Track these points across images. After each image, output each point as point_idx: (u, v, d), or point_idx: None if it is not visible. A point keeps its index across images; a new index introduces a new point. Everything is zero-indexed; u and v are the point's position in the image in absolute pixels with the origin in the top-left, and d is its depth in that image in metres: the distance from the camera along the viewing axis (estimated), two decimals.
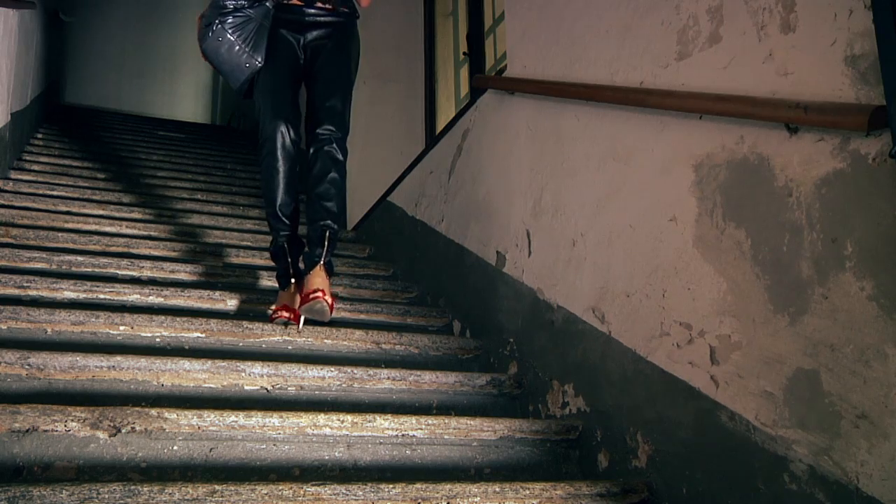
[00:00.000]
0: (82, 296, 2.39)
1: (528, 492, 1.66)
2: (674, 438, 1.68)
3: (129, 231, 3.24)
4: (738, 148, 1.59)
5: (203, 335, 2.27)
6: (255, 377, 2.04)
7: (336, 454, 1.82)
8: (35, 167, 4.00)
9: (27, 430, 1.56)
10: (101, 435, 1.61)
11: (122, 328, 2.18)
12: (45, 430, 1.57)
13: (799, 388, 1.39)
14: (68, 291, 2.38)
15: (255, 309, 2.58)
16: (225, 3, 2.42)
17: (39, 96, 5.06)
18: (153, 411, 1.66)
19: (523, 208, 2.48)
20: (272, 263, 2.63)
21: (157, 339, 2.22)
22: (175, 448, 1.68)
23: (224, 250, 3.18)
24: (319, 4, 2.53)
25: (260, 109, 2.44)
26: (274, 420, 1.75)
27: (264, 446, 1.75)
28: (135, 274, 2.70)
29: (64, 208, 3.33)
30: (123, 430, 1.62)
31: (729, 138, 1.62)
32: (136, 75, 9.44)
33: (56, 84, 6.62)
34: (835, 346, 1.32)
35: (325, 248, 2.35)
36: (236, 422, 1.71)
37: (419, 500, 1.57)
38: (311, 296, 2.24)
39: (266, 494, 1.47)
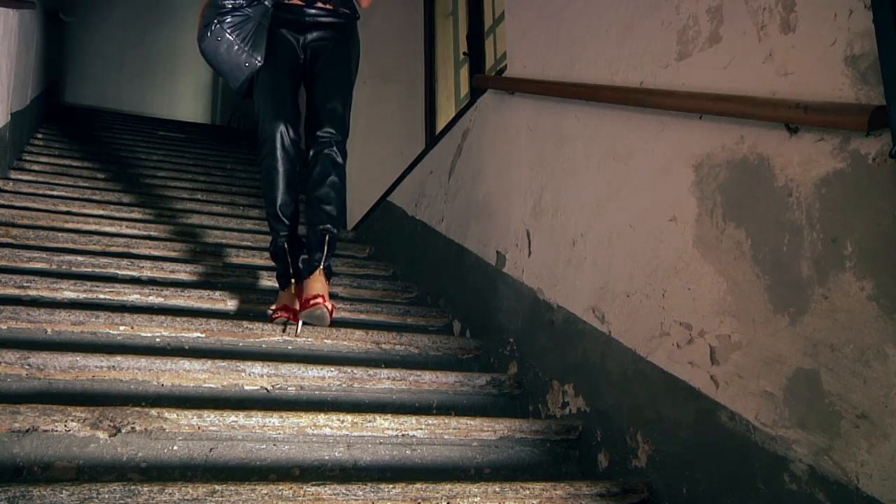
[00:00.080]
0: (82, 296, 2.39)
1: (528, 492, 1.66)
2: (674, 438, 1.68)
3: (129, 231, 3.24)
4: (738, 148, 1.59)
5: (203, 335, 2.27)
6: (255, 377, 2.04)
7: (336, 454, 1.82)
8: (35, 167, 4.00)
9: (27, 430, 1.56)
10: (101, 435, 1.61)
11: (122, 328, 2.18)
12: (45, 430, 1.57)
13: (799, 388, 1.39)
14: (68, 291, 2.38)
15: (255, 309, 2.58)
16: (223, 3, 2.41)
17: (39, 96, 5.06)
18: (153, 411, 1.66)
19: (523, 208, 2.48)
20: (272, 263, 2.62)
21: (157, 339, 2.22)
22: (175, 448, 1.68)
23: (224, 250, 3.18)
24: (320, 4, 2.53)
25: (259, 109, 2.44)
26: (274, 420, 1.75)
27: (264, 446, 1.75)
28: (135, 274, 2.70)
29: (64, 208, 3.33)
30: (123, 430, 1.62)
31: (729, 138, 1.62)
32: (136, 75, 9.44)
33: (56, 84, 6.63)
34: (835, 346, 1.32)
35: (325, 253, 2.34)
36: (236, 422, 1.71)
37: (419, 500, 1.57)
38: (312, 302, 2.24)
39: (266, 494, 1.47)
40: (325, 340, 2.39)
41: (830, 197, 1.36)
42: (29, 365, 1.83)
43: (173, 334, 2.24)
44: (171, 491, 1.41)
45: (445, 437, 1.91)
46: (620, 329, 1.92)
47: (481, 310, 2.68)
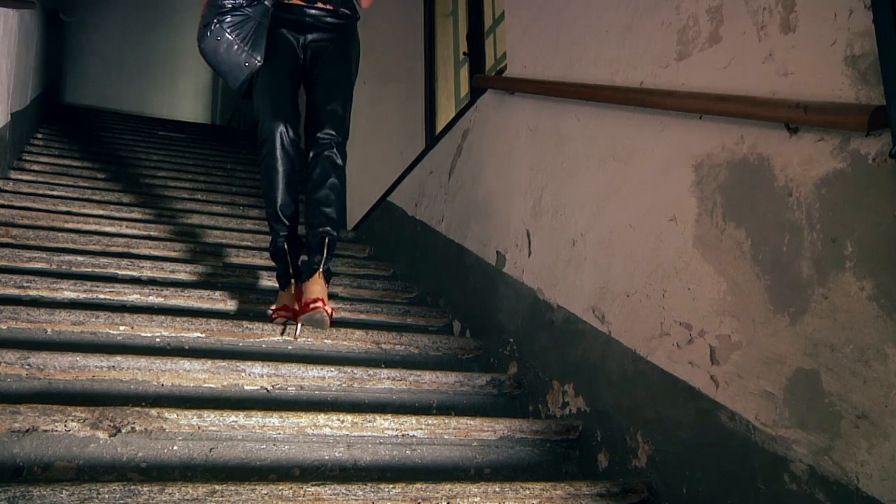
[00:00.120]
0: (82, 296, 2.39)
1: (528, 492, 1.66)
2: (674, 438, 1.68)
3: (129, 231, 3.24)
4: (738, 148, 1.59)
5: (203, 335, 2.27)
6: (255, 377, 2.04)
7: (336, 454, 1.82)
8: (35, 167, 4.00)
9: (27, 430, 1.56)
10: (101, 435, 1.61)
11: (122, 328, 2.18)
12: (45, 430, 1.57)
13: (799, 388, 1.39)
14: (68, 291, 2.38)
15: (255, 309, 2.58)
16: (223, 3, 2.40)
17: (39, 96, 5.06)
18: (153, 411, 1.66)
19: (523, 208, 2.48)
20: (272, 263, 2.62)
21: (157, 339, 2.22)
22: (175, 448, 1.68)
23: (224, 250, 3.18)
24: (320, 5, 2.52)
25: (259, 109, 2.43)
26: (274, 420, 1.75)
27: (264, 446, 1.75)
28: (135, 274, 2.70)
29: (64, 208, 3.33)
30: (123, 430, 1.62)
31: (729, 138, 1.62)
32: (135, 75, 9.44)
33: (56, 84, 6.63)
34: (835, 346, 1.32)
35: (325, 256, 2.34)
36: (236, 422, 1.71)
37: (419, 500, 1.57)
38: (312, 306, 2.23)
39: (266, 494, 1.47)
40: (325, 340, 2.39)
41: (830, 197, 1.36)
42: (29, 365, 1.83)
43: (173, 334, 2.24)
44: (171, 491, 1.41)
45: (445, 437, 1.91)
46: (620, 329, 1.92)
47: (481, 310, 2.68)
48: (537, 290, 2.34)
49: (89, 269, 2.65)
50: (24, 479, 1.52)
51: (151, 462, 1.64)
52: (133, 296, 2.46)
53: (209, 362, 2.00)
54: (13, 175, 3.73)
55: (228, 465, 1.70)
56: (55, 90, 6.59)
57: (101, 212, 3.41)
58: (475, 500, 1.61)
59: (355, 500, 1.53)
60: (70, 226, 3.14)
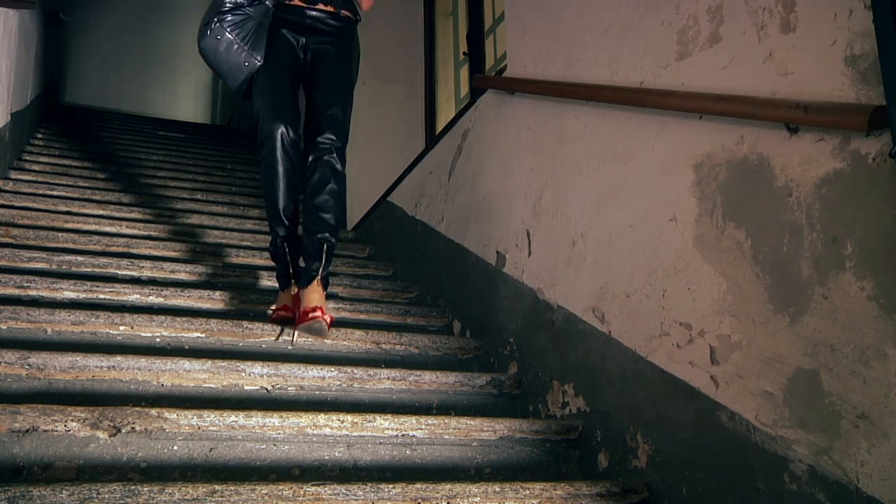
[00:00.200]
0: (82, 296, 2.39)
1: (528, 492, 1.66)
2: (674, 438, 1.68)
3: (129, 231, 3.24)
4: (738, 148, 1.59)
5: (203, 335, 2.27)
6: (255, 377, 2.04)
7: (336, 454, 1.82)
8: (35, 167, 4.00)
9: (27, 430, 1.56)
10: (101, 435, 1.61)
11: (122, 328, 2.18)
12: (45, 430, 1.57)
13: (799, 388, 1.39)
14: (68, 291, 2.38)
15: (255, 309, 2.58)
16: (224, 1, 2.40)
17: (39, 96, 5.06)
18: (153, 411, 1.66)
19: (523, 208, 2.48)
20: (272, 263, 2.62)
21: (157, 339, 2.22)
22: (175, 448, 1.68)
23: (224, 250, 3.18)
24: (321, 6, 2.51)
25: (259, 109, 2.42)
26: (274, 420, 1.75)
27: (264, 446, 1.75)
28: (135, 274, 2.70)
29: (64, 208, 3.33)
30: (123, 430, 1.62)
31: (729, 138, 1.62)
32: (135, 75, 9.44)
33: (56, 84, 6.63)
34: (835, 346, 1.32)
35: (323, 263, 2.32)
36: (236, 422, 1.71)
37: (419, 500, 1.57)
38: (311, 315, 2.21)
39: (266, 494, 1.47)
40: (325, 340, 2.39)
41: (830, 197, 1.36)
42: (29, 365, 1.83)
43: (173, 334, 2.24)
44: (171, 491, 1.41)
45: (445, 437, 1.91)
46: (620, 329, 1.92)
47: (481, 310, 2.68)
48: (537, 290, 2.34)
49: (89, 269, 2.64)
50: (24, 479, 1.52)
51: (151, 462, 1.64)
52: (133, 296, 2.46)
53: (209, 362, 2.00)
54: (13, 175, 3.73)
55: (228, 465, 1.70)
56: (55, 90, 6.59)
57: (101, 212, 3.41)
58: (475, 500, 1.61)
59: (355, 500, 1.53)
60: (70, 226, 3.14)
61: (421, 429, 1.88)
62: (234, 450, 1.73)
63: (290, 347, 2.34)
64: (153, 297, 2.48)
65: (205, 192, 4.25)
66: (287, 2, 2.48)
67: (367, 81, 4.24)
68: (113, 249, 2.93)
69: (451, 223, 3.04)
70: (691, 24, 1.78)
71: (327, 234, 2.33)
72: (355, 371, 2.16)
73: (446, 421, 1.92)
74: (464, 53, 3.95)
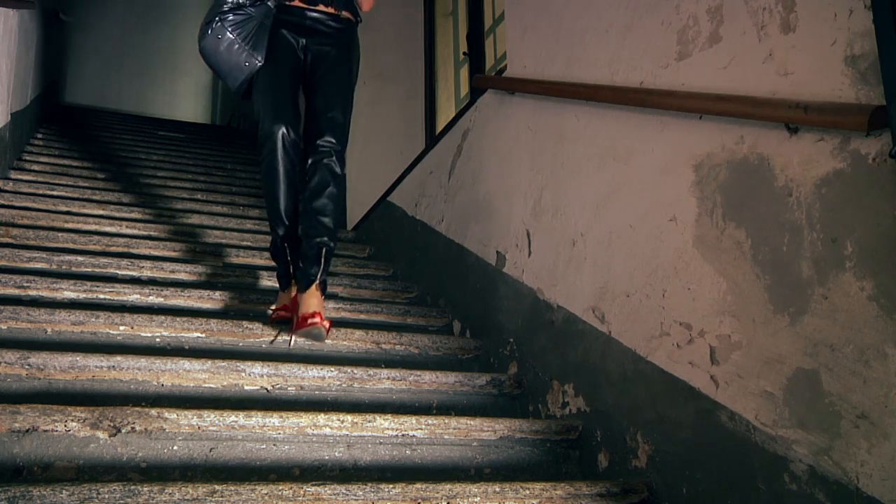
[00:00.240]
0: (82, 296, 2.39)
1: (528, 492, 1.66)
2: (674, 438, 1.68)
3: (129, 231, 3.24)
4: (738, 148, 1.59)
5: (203, 335, 2.27)
6: (255, 377, 2.04)
7: (336, 454, 1.82)
8: (35, 167, 4.00)
9: (27, 430, 1.56)
10: (101, 435, 1.61)
11: (122, 328, 2.18)
12: (45, 430, 1.57)
13: (799, 388, 1.39)
14: (68, 291, 2.38)
15: (255, 309, 2.58)
16: (225, 1, 2.40)
17: (39, 96, 5.06)
18: (153, 411, 1.66)
19: (523, 208, 2.48)
20: (272, 263, 2.62)
21: (157, 339, 2.22)
22: (175, 448, 1.68)
23: (224, 250, 3.18)
24: (322, 7, 2.50)
25: (260, 109, 2.41)
26: (274, 420, 1.75)
27: (264, 446, 1.75)
28: (135, 274, 2.70)
29: (64, 208, 3.33)
30: (123, 430, 1.62)
31: (729, 138, 1.62)
32: (135, 75, 9.44)
33: (56, 84, 6.63)
34: (835, 346, 1.32)
35: (321, 267, 2.30)
36: (236, 422, 1.71)
37: (419, 500, 1.57)
38: (309, 321, 2.19)
39: (266, 494, 1.47)
40: (325, 340, 2.39)
41: (830, 197, 1.36)
42: (29, 365, 1.83)
43: (173, 334, 2.24)
44: (171, 491, 1.41)
45: (445, 437, 1.91)
46: (620, 329, 1.92)
47: (481, 310, 2.68)
48: (537, 290, 2.34)
49: (89, 269, 2.64)
50: (24, 479, 1.52)
51: (151, 462, 1.64)
52: (133, 296, 2.46)
53: (209, 362, 2.00)
54: (13, 175, 3.73)
55: (228, 465, 1.70)
56: (55, 90, 6.59)
57: (101, 212, 3.41)
58: (475, 500, 1.61)
59: (355, 500, 1.53)
60: (70, 226, 3.14)
61: (421, 429, 1.88)
62: (234, 450, 1.73)
63: (290, 348, 2.34)
64: (153, 297, 2.48)
65: (205, 192, 4.25)
66: (287, 2, 2.48)
67: (367, 81, 4.24)
68: (113, 249, 2.93)
69: (451, 223, 3.04)
70: (691, 24, 1.78)
71: (326, 239, 2.32)
72: (355, 371, 2.16)
73: (446, 421, 1.92)
74: (464, 53, 3.95)
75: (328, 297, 2.86)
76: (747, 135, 1.57)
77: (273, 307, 2.47)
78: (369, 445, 1.85)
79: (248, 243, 3.36)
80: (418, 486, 1.60)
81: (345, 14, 2.54)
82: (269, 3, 2.43)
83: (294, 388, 2.09)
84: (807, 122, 1.39)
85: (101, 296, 2.42)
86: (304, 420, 1.78)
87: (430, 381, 2.23)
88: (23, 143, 4.35)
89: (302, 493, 1.50)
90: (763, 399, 1.46)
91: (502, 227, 2.61)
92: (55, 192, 3.56)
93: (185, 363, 1.98)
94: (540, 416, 2.21)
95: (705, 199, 1.67)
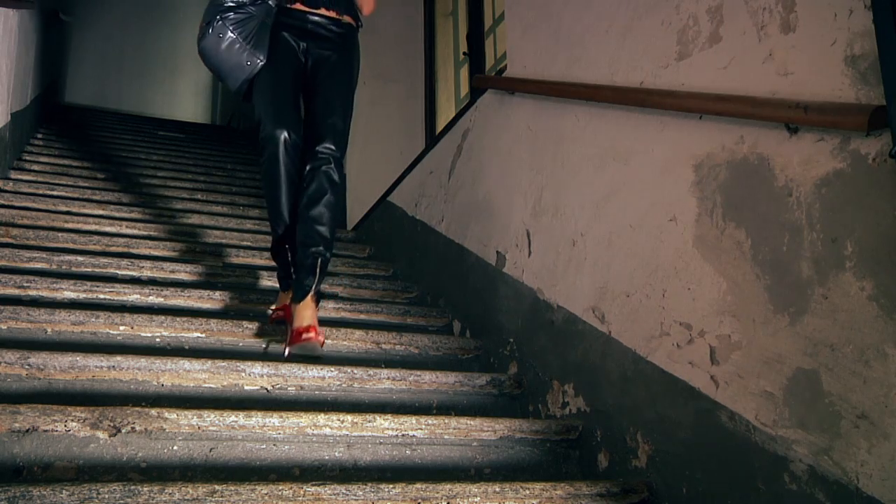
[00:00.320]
0: (82, 296, 2.39)
1: (528, 492, 1.66)
2: (674, 438, 1.68)
3: (129, 231, 3.24)
4: (738, 148, 1.59)
5: (203, 335, 2.27)
6: (255, 377, 2.04)
7: (336, 454, 1.82)
8: (35, 167, 4.00)
9: (27, 430, 1.56)
10: (101, 435, 1.61)
11: (122, 328, 2.18)
12: (45, 430, 1.57)
13: (799, 388, 1.39)
14: (68, 291, 2.38)
15: (255, 309, 2.58)
16: (224, 2, 2.40)
17: (39, 96, 5.06)
18: (153, 411, 1.66)
19: (523, 208, 2.48)
20: (272, 263, 2.62)
21: (157, 339, 2.22)
22: (175, 448, 1.68)
23: (224, 250, 3.18)
24: (323, 11, 2.48)
25: (261, 111, 2.39)
26: (274, 420, 1.75)
27: (264, 446, 1.75)
28: (135, 274, 2.70)
29: (64, 208, 3.33)
30: (123, 430, 1.62)
31: (729, 138, 1.62)
32: (136, 75, 9.44)
33: (56, 84, 6.63)
34: (835, 346, 1.32)
35: (317, 278, 2.28)
36: (236, 422, 1.71)
37: (419, 500, 1.57)
38: (304, 336, 2.17)
39: (266, 494, 1.47)
40: (326, 340, 2.38)
41: (830, 197, 1.36)
42: (29, 365, 1.83)
43: (173, 334, 2.24)
44: (171, 491, 1.41)
45: (445, 437, 1.91)
46: (620, 329, 1.92)
47: (481, 310, 2.68)
48: (537, 290, 2.34)
49: (89, 269, 2.64)
50: (24, 479, 1.52)
51: (151, 462, 1.64)
52: (133, 296, 2.46)
53: (209, 362, 2.00)
54: (13, 175, 3.73)
55: (228, 465, 1.70)
56: (55, 90, 6.59)
57: (101, 212, 3.41)
58: (475, 500, 1.61)
59: (355, 500, 1.53)
60: (70, 226, 3.14)
61: (421, 429, 1.88)
62: (234, 450, 1.73)
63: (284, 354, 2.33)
64: (153, 297, 2.48)
65: (205, 192, 4.25)
66: (288, 5, 2.47)
67: (367, 81, 4.24)
68: (113, 249, 2.93)
69: (451, 223, 3.04)
70: (691, 24, 1.78)
71: (321, 248, 2.29)
72: (355, 371, 2.16)
73: (446, 421, 1.92)
74: (464, 53, 3.95)
75: (328, 297, 2.87)
76: (747, 135, 1.57)
77: (273, 307, 2.47)
78: (369, 445, 1.85)
79: (248, 243, 3.36)
80: (418, 486, 1.60)
81: (346, 19, 2.53)
82: (269, 2, 2.42)
83: (294, 388, 2.09)
84: (807, 122, 1.39)
85: (101, 296, 2.42)
86: (304, 420, 1.78)
87: (430, 381, 2.23)
88: (23, 143, 4.36)
89: (302, 493, 1.50)
90: (763, 399, 1.46)
91: (502, 227, 2.61)
92: (55, 192, 3.56)
93: (185, 363, 1.98)
94: (540, 416, 2.21)
95: (705, 199, 1.67)
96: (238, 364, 2.04)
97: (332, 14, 2.50)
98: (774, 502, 1.41)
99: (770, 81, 1.52)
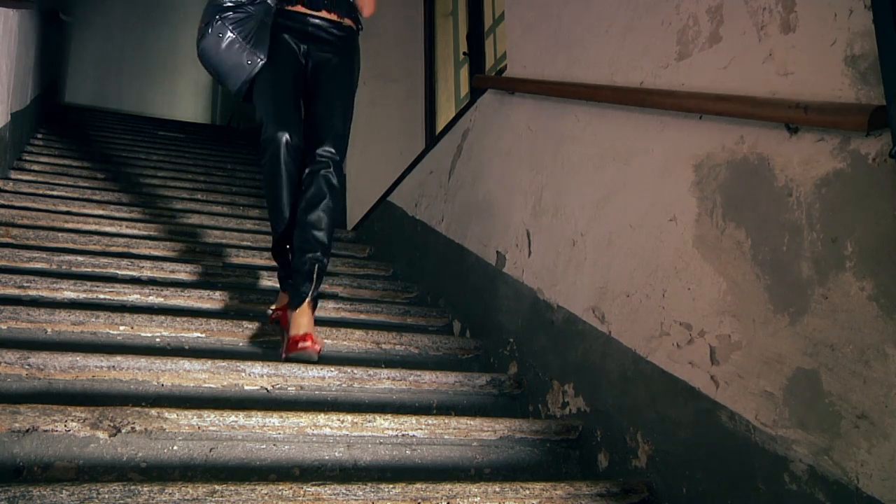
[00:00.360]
0: (82, 296, 2.39)
1: (528, 492, 1.66)
2: (674, 438, 1.68)
3: (129, 231, 3.24)
4: (738, 148, 1.59)
5: (203, 335, 2.27)
6: (255, 377, 2.04)
7: (336, 454, 1.82)
8: (35, 167, 4.00)
9: (27, 430, 1.56)
10: (101, 435, 1.61)
11: (122, 328, 2.18)
12: (45, 430, 1.57)
13: (799, 388, 1.39)
14: (68, 291, 2.38)
15: (255, 309, 2.58)
16: (223, 3, 2.39)
17: (39, 96, 5.06)
18: (153, 411, 1.66)
19: (523, 208, 2.48)
20: (272, 263, 2.61)
21: (157, 339, 2.22)
22: (175, 448, 1.68)
23: (224, 250, 3.18)
24: (324, 14, 2.47)
25: (262, 112, 2.38)
26: (274, 420, 1.75)
27: (264, 446, 1.75)
28: (135, 274, 2.70)
29: (64, 208, 3.33)
30: (123, 430, 1.62)
31: (729, 138, 1.62)
32: (136, 75, 9.44)
33: (56, 84, 6.63)
34: (835, 346, 1.32)
35: (314, 285, 2.27)
36: (236, 422, 1.71)
37: (419, 500, 1.57)
38: (300, 345, 2.16)
39: (266, 494, 1.47)
40: (325, 340, 2.39)
41: (830, 197, 1.36)
42: (29, 365, 1.83)
43: (173, 334, 2.24)
44: (171, 491, 1.41)
45: (445, 437, 1.91)
46: (620, 329, 1.92)
47: (481, 310, 2.68)
48: (537, 290, 2.34)
49: (89, 269, 2.64)
50: (24, 479, 1.52)
51: (151, 462, 1.64)
52: (133, 296, 2.46)
53: (209, 362, 2.00)
54: (13, 175, 3.73)
55: (228, 465, 1.70)
56: (55, 90, 6.59)
57: (101, 212, 3.41)
58: (475, 500, 1.61)
59: (355, 500, 1.53)
60: (70, 226, 3.14)
61: (421, 429, 1.88)
62: (234, 450, 1.73)
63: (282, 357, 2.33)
64: (153, 297, 2.48)
65: (205, 192, 4.25)
66: (289, 8, 2.46)
67: (367, 81, 4.23)
68: (113, 249, 2.93)
69: (451, 223, 3.04)
70: (691, 24, 1.78)
71: (319, 254, 2.28)
72: (355, 371, 2.16)
73: (446, 421, 1.92)
74: (464, 53, 3.95)
75: (328, 297, 2.87)
76: (747, 135, 1.57)
77: (273, 307, 2.46)
78: (369, 445, 1.85)
79: (248, 243, 3.36)
80: (418, 486, 1.60)
81: (347, 22, 2.52)
82: (269, 1, 2.42)
83: (294, 388, 2.09)
84: (807, 122, 1.39)
85: (101, 296, 2.42)
86: (304, 420, 1.78)
87: (430, 381, 2.23)
88: (23, 142, 4.36)
89: (302, 493, 1.50)
90: (763, 399, 1.46)
91: (502, 227, 2.61)
92: (55, 192, 3.56)
93: (185, 363, 1.98)
94: (540, 416, 2.21)
95: (705, 199, 1.67)
96: (238, 364, 2.04)
97: (332, 17, 2.49)
98: (774, 502, 1.41)
99: (770, 81, 1.52)
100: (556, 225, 2.28)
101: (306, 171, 2.35)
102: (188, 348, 2.24)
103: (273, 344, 2.33)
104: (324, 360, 2.28)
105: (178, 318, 2.26)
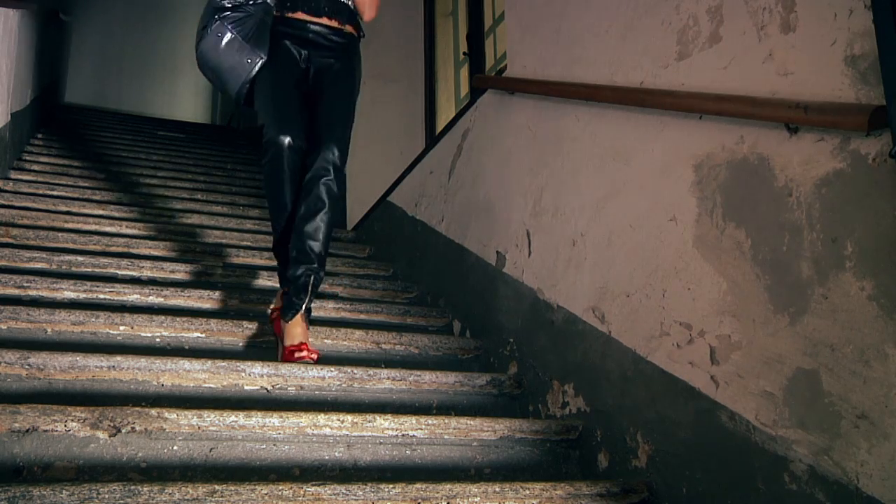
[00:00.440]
0: (82, 296, 2.39)
1: (528, 492, 1.66)
2: (674, 438, 1.68)
3: (129, 231, 3.24)
4: (738, 148, 1.59)
5: (203, 335, 2.27)
6: (255, 377, 2.04)
7: (336, 454, 1.82)
8: (35, 167, 4.00)
9: (27, 430, 1.56)
10: (101, 435, 1.61)
11: (122, 328, 2.18)
12: (45, 430, 1.57)
13: (799, 388, 1.39)
14: (68, 291, 2.38)
15: (255, 309, 2.58)
16: (222, 3, 2.39)
17: (39, 96, 5.06)
18: (153, 411, 1.66)
19: (523, 208, 2.48)
20: (272, 263, 2.61)
21: (157, 339, 2.22)
22: (175, 448, 1.68)
23: (224, 250, 3.18)
24: (325, 20, 2.46)
25: (263, 114, 2.37)
26: (274, 420, 1.75)
27: (264, 446, 1.75)
28: (135, 274, 2.70)
29: (64, 208, 3.33)
30: (123, 430, 1.62)
31: (729, 138, 1.62)
32: (136, 75, 9.45)
33: (56, 84, 6.63)
34: (835, 346, 1.32)
35: (308, 296, 2.26)
36: (236, 422, 1.71)
37: (419, 500, 1.57)
38: (297, 355, 2.16)
39: (266, 494, 1.47)
40: (325, 340, 2.39)
41: (830, 197, 1.36)
42: (29, 365, 1.83)
43: (173, 334, 2.24)
44: (171, 491, 1.41)
45: (445, 437, 1.91)
46: (620, 329, 1.92)
47: (481, 310, 2.68)
48: (537, 290, 2.34)
49: (89, 269, 2.64)
50: (24, 479, 1.52)
51: (151, 462, 1.64)
52: (133, 296, 2.46)
53: (209, 362, 2.00)
54: (13, 175, 3.73)
55: (228, 465, 1.70)
56: (55, 90, 6.59)
57: (101, 212, 3.42)
58: (475, 500, 1.61)
59: (355, 500, 1.53)
60: (70, 226, 3.14)
61: (421, 429, 1.88)
62: (234, 450, 1.73)
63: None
64: (153, 297, 2.48)
65: (205, 192, 4.25)
66: (289, 15, 2.45)
67: (366, 81, 4.20)
68: (113, 249, 2.93)
69: (451, 223, 3.04)
70: (691, 24, 1.78)
71: (315, 266, 2.27)
72: (355, 371, 2.16)
73: (446, 421, 1.92)
74: (464, 53, 3.95)
75: (328, 297, 2.87)
76: (747, 135, 1.57)
77: (273, 306, 2.46)
78: (369, 445, 1.85)
79: (248, 243, 3.36)
80: (418, 486, 1.60)
81: (348, 28, 2.51)
82: (268, 1, 2.42)
83: (294, 388, 2.09)
84: (807, 122, 1.39)
85: (101, 296, 2.42)
86: (304, 420, 1.78)
87: (430, 381, 2.23)
88: (23, 142, 4.36)
89: (302, 493, 1.50)
90: (763, 399, 1.46)
91: (502, 227, 2.61)
92: (55, 192, 3.56)
93: (185, 363, 1.98)
94: (540, 416, 2.21)
95: (705, 199, 1.67)
96: (238, 364, 2.03)
97: (333, 24, 2.48)
98: (774, 502, 1.41)
99: (770, 81, 1.52)
100: (556, 225, 2.28)
101: (307, 176, 2.33)
102: (188, 348, 2.24)
103: (273, 344, 2.33)
104: (324, 360, 2.28)
105: (178, 318, 2.26)
